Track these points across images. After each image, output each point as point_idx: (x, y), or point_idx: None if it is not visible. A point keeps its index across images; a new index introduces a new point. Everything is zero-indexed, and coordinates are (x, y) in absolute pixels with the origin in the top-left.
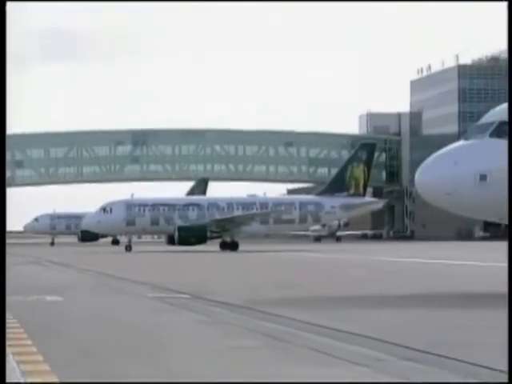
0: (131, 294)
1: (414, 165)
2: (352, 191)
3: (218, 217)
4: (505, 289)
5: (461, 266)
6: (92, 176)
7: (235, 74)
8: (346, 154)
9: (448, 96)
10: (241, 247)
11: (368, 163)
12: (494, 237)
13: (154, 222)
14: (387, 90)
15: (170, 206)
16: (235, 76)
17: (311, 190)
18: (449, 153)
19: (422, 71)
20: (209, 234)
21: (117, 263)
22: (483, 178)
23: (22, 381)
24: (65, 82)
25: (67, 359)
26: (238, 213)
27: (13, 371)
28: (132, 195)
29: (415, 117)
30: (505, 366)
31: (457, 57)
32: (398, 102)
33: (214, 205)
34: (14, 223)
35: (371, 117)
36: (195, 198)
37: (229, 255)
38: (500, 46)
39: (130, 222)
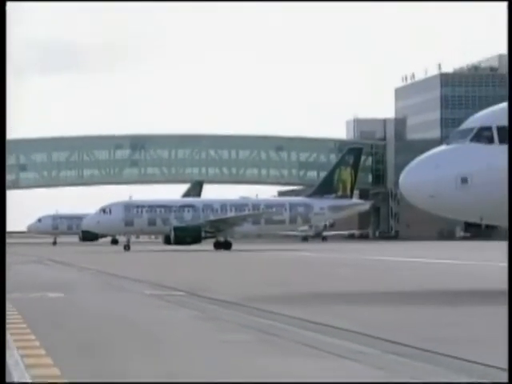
0: (130, 291)
1: (399, 168)
2: (340, 193)
3: (212, 218)
4: (482, 285)
5: (441, 264)
6: (92, 179)
7: (229, 83)
8: (334, 158)
9: (431, 103)
10: (234, 247)
11: (355, 167)
12: (474, 236)
13: (152, 223)
14: (373, 96)
15: (167, 207)
16: (229, 85)
17: (301, 192)
18: (431, 157)
19: (406, 79)
20: (203, 234)
21: (116, 262)
22: (464, 180)
23: (25, 374)
24: (66, 90)
25: (68, 353)
26: (231, 214)
27: (16, 364)
28: (130, 197)
29: (400, 123)
30: (482, 358)
31: (439, 66)
32: (384, 109)
33: (208, 206)
34: (17, 224)
35: (358, 122)
36: (190, 199)
37: (222, 254)
38: (479, 55)
39: (129, 223)
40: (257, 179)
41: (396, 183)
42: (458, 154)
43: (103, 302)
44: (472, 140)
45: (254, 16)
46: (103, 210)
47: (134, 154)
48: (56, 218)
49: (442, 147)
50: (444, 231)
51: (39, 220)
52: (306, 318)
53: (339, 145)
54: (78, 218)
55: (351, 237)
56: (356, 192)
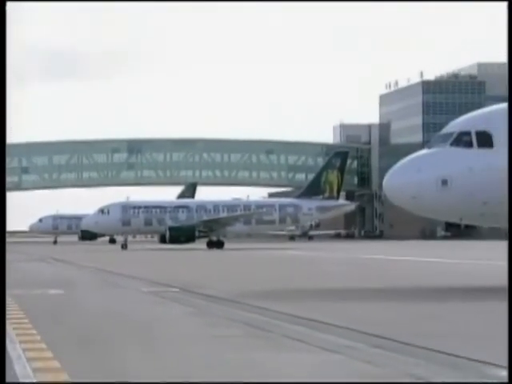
0: (127, 288)
1: (383, 171)
2: (327, 195)
3: (205, 218)
4: (472, 282)
5: (429, 262)
6: (91, 181)
7: (222, 90)
8: (321, 161)
9: (413, 109)
10: (226, 245)
11: (341, 169)
12: (454, 236)
13: (148, 223)
14: (359, 103)
15: (162, 208)
16: (222, 92)
17: (290, 193)
18: (414, 160)
19: (390, 86)
20: (197, 233)
21: (114, 260)
22: (444, 182)
23: (28, 367)
24: (66, 97)
25: (68, 346)
26: (223, 214)
27: (18, 358)
28: (127, 198)
29: (384, 127)
30: (465, 352)
31: (421, 73)
32: (369, 114)
33: (201, 207)
34: (19, 224)
35: (344, 127)
36: (185, 201)
37: (215, 253)
38: (459, 63)
39: (126, 223)
40: (248, 181)
41: (380, 185)
42: (438, 158)
43: (102, 299)
44: (452, 144)
45: (240, 24)
46: (101, 211)
47: (131, 158)
48: (56, 218)
49: (424, 151)
50: (426, 231)
51: (40, 220)
52: (296, 313)
53: (326, 149)
54: (78, 218)
55: (337, 236)
56: (342, 193)
